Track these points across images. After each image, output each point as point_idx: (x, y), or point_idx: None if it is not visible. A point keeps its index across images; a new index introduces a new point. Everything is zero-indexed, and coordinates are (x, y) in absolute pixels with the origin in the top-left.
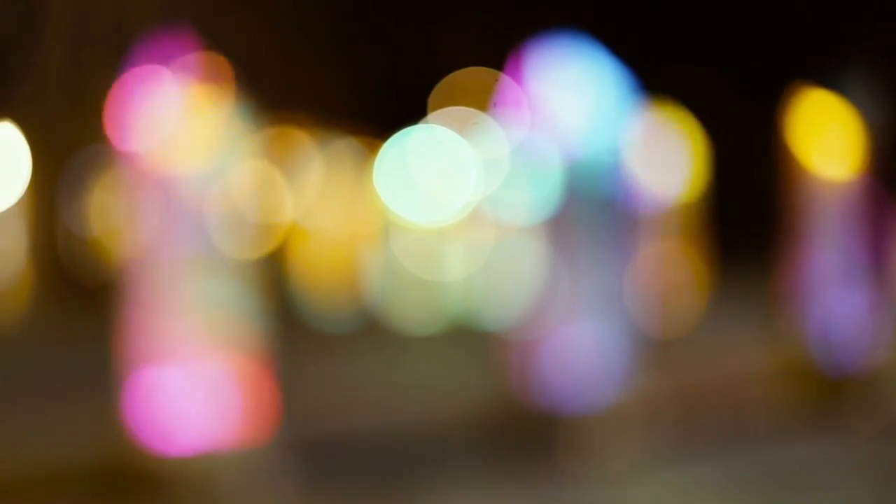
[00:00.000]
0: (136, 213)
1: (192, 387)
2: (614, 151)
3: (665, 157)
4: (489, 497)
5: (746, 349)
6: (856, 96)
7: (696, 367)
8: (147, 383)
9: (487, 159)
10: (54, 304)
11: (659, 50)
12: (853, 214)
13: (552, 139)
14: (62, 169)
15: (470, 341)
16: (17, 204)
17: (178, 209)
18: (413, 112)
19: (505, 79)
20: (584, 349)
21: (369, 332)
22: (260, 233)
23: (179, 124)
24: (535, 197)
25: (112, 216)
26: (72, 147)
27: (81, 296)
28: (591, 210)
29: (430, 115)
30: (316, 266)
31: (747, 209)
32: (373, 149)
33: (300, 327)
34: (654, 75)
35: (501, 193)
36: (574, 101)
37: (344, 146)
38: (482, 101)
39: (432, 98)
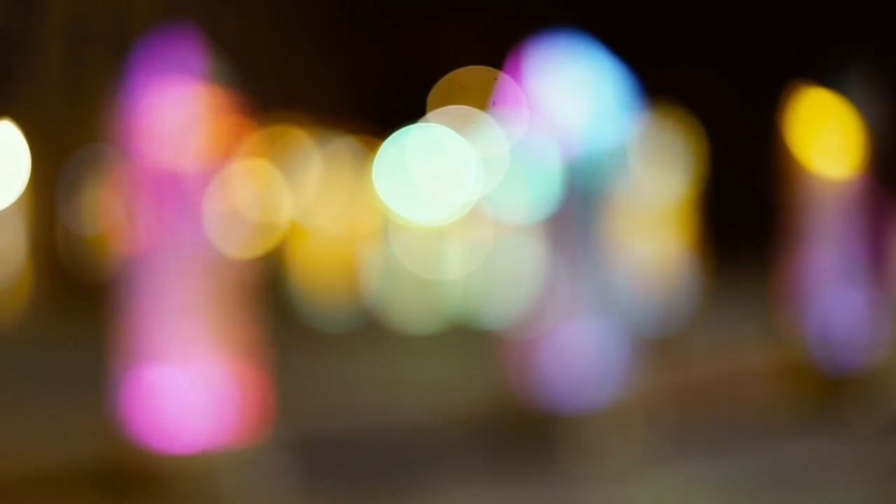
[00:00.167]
0: (134, 212)
1: (190, 385)
2: (613, 150)
3: (664, 156)
4: (488, 496)
5: (745, 348)
6: (855, 95)
7: (695, 365)
8: (145, 382)
9: (487, 158)
10: (53, 303)
11: (658, 49)
12: (852, 213)
13: (551, 138)
14: (61, 168)
15: (469, 340)
16: (17, 203)
17: (177, 208)
18: (412, 111)
19: (504, 77)
20: (583, 348)
21: (368, 330)
22: (259, 232)
23: (178, 124)
24: (534, 196)
25: (111, 215)
26: (71, 146)
27: (80, 295)
28: (591, 209)
29: (430, 114)
30: (315, 265)
31: (746, 208)
32: (372, 147)
33: (299, 326)
34: (653, 74)
35: (501, 192)
36: (573, 99)
37: (343, 145)
38: (482, 99)
39: (432, 97)
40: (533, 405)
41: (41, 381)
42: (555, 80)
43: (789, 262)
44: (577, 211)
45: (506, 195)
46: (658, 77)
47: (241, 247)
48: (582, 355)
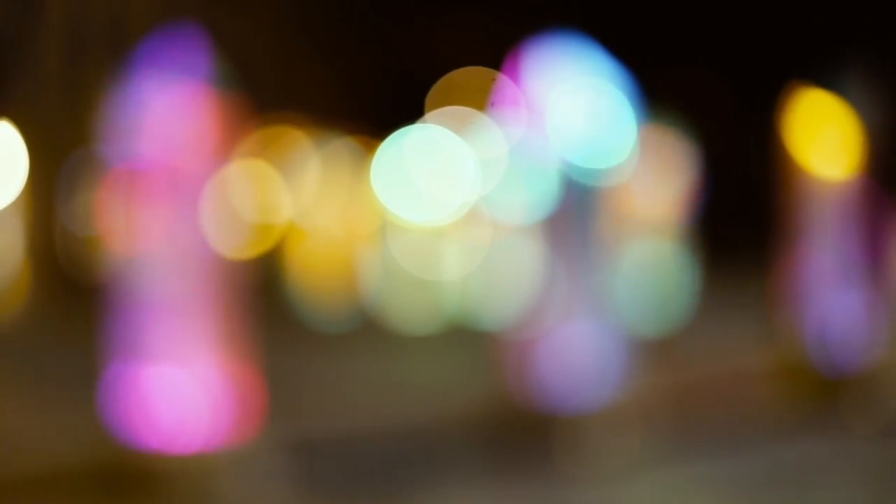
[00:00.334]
0: (132, 212)
1: (187, 385)
2: (611, 151)
3: (662, 157)
4: (486, 497)
5: (743, 349)
6: (853, 96)
7: (693, 366)
8: (143, 382)
9: (485, 159)
10: (51, 303)
11: (656, 50)
12: (850, 214)
13: (549, 139)
14: (59, 168)
15: (467, 341)
16: (15, 203)
17: (174, 208)
18: (410, 111)
19: (502, 78)
20: (580, 349)
21: (366, 331)
22: (257, 232)
23: (176, 124)
24: (532, 196)
25: (108, 215)
26: (69, 146)
27: (78, 295)
28: (588, 210)
29: (428, 115)
30: (313, 265)
31: (744, 209)
32: (370, 148)
33: (297, 326)
34: (651, 75)
35: (499, 193)
36: (571, 100)
37: (341, 145)
38: (480, 100)
39: (430, 97)
40: (531, 406)
41: (40, 381)
42: (553, 80)
43: (787, 263)
44: (575, 212)
45: (504, 196)
46: (656, 78)
47: (239, 247)
48: (580, 356)
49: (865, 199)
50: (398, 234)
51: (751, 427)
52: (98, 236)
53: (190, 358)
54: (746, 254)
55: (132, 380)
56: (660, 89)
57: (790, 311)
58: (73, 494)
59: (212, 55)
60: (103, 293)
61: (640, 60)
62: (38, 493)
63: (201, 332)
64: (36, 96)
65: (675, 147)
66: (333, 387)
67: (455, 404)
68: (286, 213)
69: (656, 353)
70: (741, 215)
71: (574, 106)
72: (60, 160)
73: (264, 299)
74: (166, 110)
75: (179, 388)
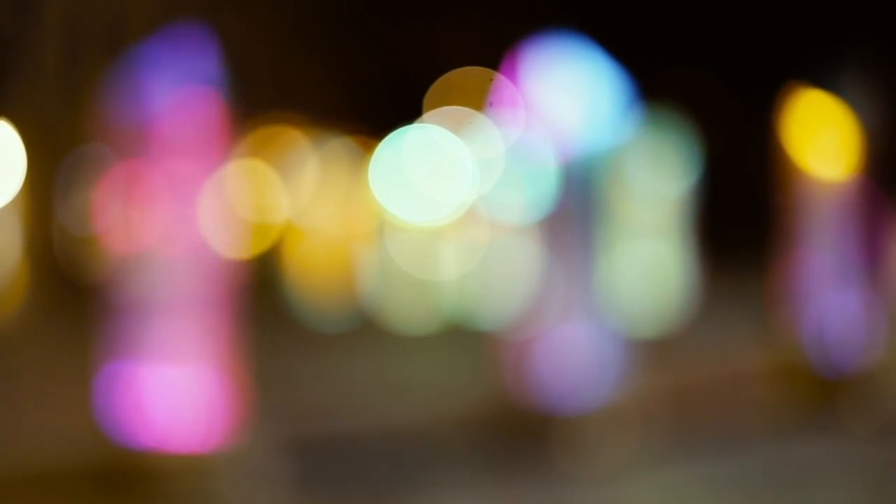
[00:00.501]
0: (130, 212)
1: (185, 385)
2: (610, 151)
3: (660, 157)
4: (484, 497)
5: (742, 349)
6: (852, 97)
7: (691, 367)
8: (140, 381)
9: (483, 159)
10: (49, 303)
11: (654, 50)
12: (849, 215)
13: (547, 139)
14: (58, 168)
15: (465, 341)
16: (13, 202)
17: (172, 208)
18: (408, 111)
19: (500, 78)
20: (578, 349)
21: (364, 331)
22: (255, 232)
23: (175, 124)
24: (530, 197)
25: (107, 215)
26: (67, 146)
27: (76, 294)
28: (587, 210)
29: (426, 115)
30: (311, 265)
31: (743, 209)
32: (368, 148)
33: (295, 326)
34: (649, 75)
35: (496, 193)
36: (569, 100)
37: (339, 145)
38: (478, 100)
39: (428, 97)
40: (529, 406)
41: (39, 381)
42: (551, 81)
43: (786, 264)
44: (574, 212)
45: (502, 196)
46: (654, 78)
47: (237, 247)
48: (578, 356)
49: (864, 200)
50: (396, 233)
51: (749, 427)
52: (96, 236)
53: (187, 358)
54: (745, 254)
55: (130, 379)
56: (658, 90)
57: (788, 312)
58: (73, 494)
59: (210, 55)
60: (101, 293)
61: (639, 61)
62: (38, 493)
63: (198, 331)
64: (34, 96)
65: (673, 148)
66: (331, 387)
67: (453, 404)
68: (284, 213)
69: (655, 353)
70: (740, 216)
71: (572, 106)
72: (59, 159)
73: (262, 299)
74: (164, 110)
75: (176, 387)
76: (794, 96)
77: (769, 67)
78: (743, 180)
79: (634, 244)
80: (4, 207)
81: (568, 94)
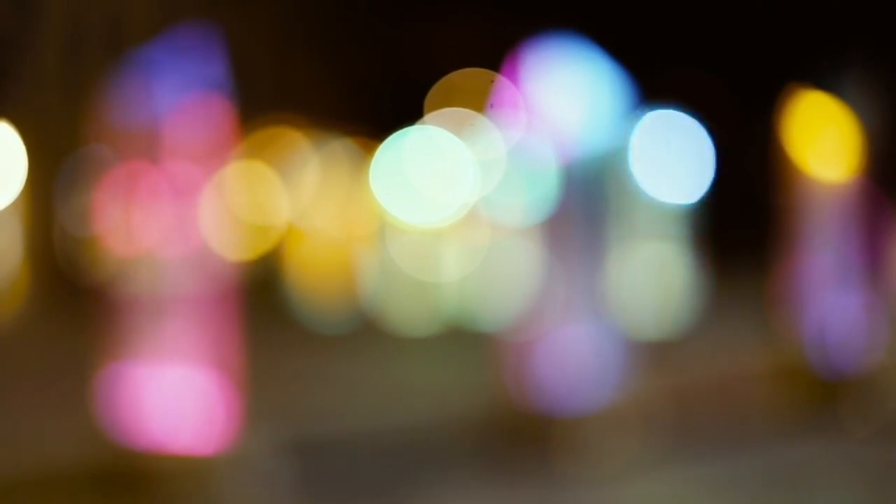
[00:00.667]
0: (131, 213)
1: (184, 386)
2: (610, 153)
3: (661, 159)
4: (485, 498)
5: (742, 350)
6: (853, 98)
7: (692, 368)
8: (141, 383)
9: (484, 160)
10: (50, 304)
11: (655, 51)
12: (850, 216)
13: (549, 140)
14: (58, 169)
15: (466, 342)
16: (14, 204)
17: (173, 210)
18: (409, 113)
19: (502, 80)
20: (579, 350)
21: (365, 333)
22: (256, 233)
23: (176, 124)
24: (531, 198)
25: (107, 216)
26: (68, 147)
27: (77, 295)
28: (588, 211)
29: (427, 116)
30: (312, 267)
31: (744, 211)
32: (369, 150)
33: (296, 328)
34: (650, 77)
35: (498, 195)
36: (570, 102)
37: (340, 147)
38: (479, 102)
39: (429, 99)
40: (530, 407)
41: (39, 382)
42: (552, 82)
43: (787, 265)
44: (574, 213)
45: (503, 197)
46: (655, 80)
47: (238, 248)
48: (578, 357)
49: (865, 202)
50: (397, 235)
51: (750, 428)
52: (97, 237)
53: (187, 359)
54: (746, 256)
55: (130, 381)
56: (659, 91)
57: (789, 313)
58: (73, 494)
59: (211, 56)
60: (102, 294)
61: (640, 62)
62: (38, 493)
63: (199, 333)
64: (35, 97)
65: (674, 148)
66: (332, 388)
67: (454, 406)
68: (284, 215)
69: (655, 354)
70: (741, 217)
71: (573, 108)
72: (59, 161)
73: (263, 301)
74: (165, 111)
75: (177, 388)
76: (795, 98)
77: (770, 69)
78: (744, 182)
79: (635, 246)
80: (5, 208)
81: (569, 95)
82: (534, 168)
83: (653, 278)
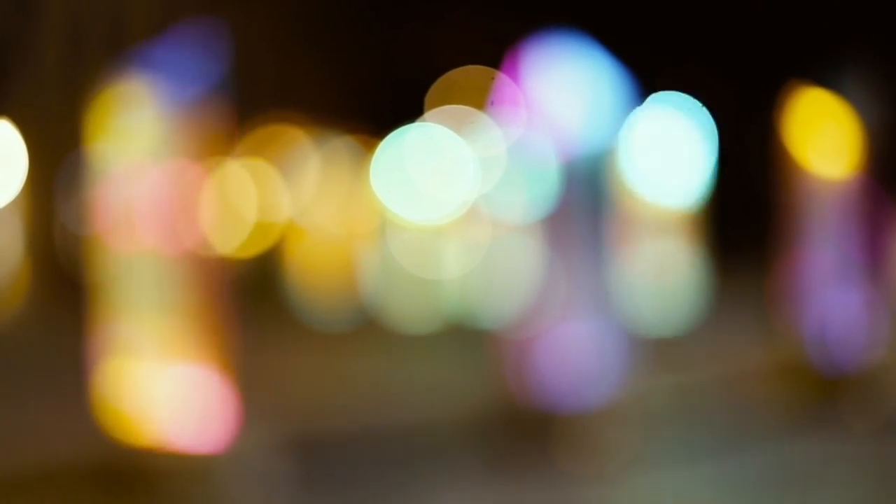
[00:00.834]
0: (131, 211)
1: (185, 385)
2: (611, 150)
3: (661, 156)
4: (486, 496)
5: (743, 348)
6: (853, 95)
7: (694, 365)
8: (141, 381)
9: (484, 157)
10: (50, 302)
11: (656, 48)
12: (851, 213)
13: (549, 137)
14: (58, 167)
15: (467, 340)
16: (14, 202)
17: (174, 207)
18: (410, 110)
19: (502, 77)
20: (581, 348)
21: (366, 330)
22: (256, 231)
23: (176, 123)
24: (531, 195)
25: (107, 214)
26: (68, 145)
27: (78, 293)
28: (588, 208)
29: (427, 114)
30: (312, 264)
31: (745, 208)
32: (369, 147)
33: (296, 325)
34: (650, 74)
35: (498, 192)
36: (571, 99)
37: (341, 144)
38: (479, 99)
39: (429, 96)
40: (531, 405)
41: (39, 381)
42: (553, 79)
43: (787, 263)
44: (575, 210)
45: (503, 194)
46: (656, 77)
47: (238, 246)
48: (580, 355)
49: (865, 199)
50: (397, 232)
51: (752, 426)
52: (97, 235)
53: (187, 357)
54: (747, 253)
55: (130, 379)
56: (659, 88)
57: (790, 311)
58: (73, 494)
59: (212, 55)
60: (102, 292)
61: (640, 59)
62: (39, 490)
63: (199, 330)
64: (35, 95)
65: (674, 145)
66: (333, 386)
67: (455, 403)
68: (285, 212)
69: (657, 351)
70: (741, 215)
71: (573, 105)
72: (60, 159)
73: (263, 298)
74: (166, 109)
75: (177, 386)
76: (796, 95)
77: (771, 67)
78: (745, 179)
79: (636, 243)
80: (6, 207)
81: (569, 92)
82: (534, 165)
83: (654, 275)
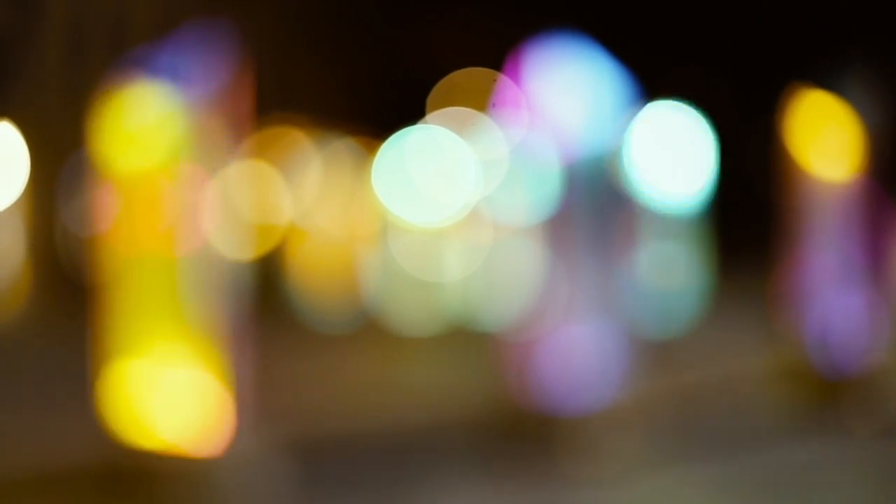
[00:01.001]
0: (133, 213)
1: (187, 387)
2: (612, 152)
3: (663, 158)
4: (486, 498)
5: (745, 350)
6: (854, 97)
7: (695, 367)
8: (142, 383)
9: (486, 160)
10: (52, 303)
11: (657, 50)
12: (852, 215)
13: (551, 140)
14: (60, 168)
15: (468, 342)
16: (16, 203)
17: (176, 209)
18: (411, 112)
19: (504, 79)
20: (582, 350)
21: (367, 332)
22: (258, 233)
23: (178, 123)
24: (533, 197)
25: (109, 216)
26: (70, 147)
27: (79, 295)
28: (590, 210)
29: (429, 116)
30: (314, 266)
31: (747, 209)
32: (371, 149)
33: (298, 328)
34: (652, 75)
35: (500, 194)
36: (573, 101)
37: (342, 146)
38: (481, 101)
39: (431, 98)
40: (532, 407)
41: (40, 381)
42: (554, 81)
43: (788, 265)
44: (577, 213)
45: (505, 197)
46: (658, 78)
47: (240, 248)
48: (581, 357)
49: (867, 201)
50: (399, 235)
51: (752, 428)
52: (99, 237)
53: (189, 358)
54: (748, 255)
55: (132, 380)
56: (661, 90)
57: (792, 313)
58: (74, 495)
59: (214, 56)
60: (104, 293)
61: (642, 61)
62: (39, 493)
63: (201, 332)
64: (38, 96)
65: (675, 147)
66: (334, 388)
67: (456, 405)
68: (287, 214)
69: (658, 354)
70: (743, 217)
71: (575, 107)
72: (61, 161)
73: (265, 300)
74: (167, 110)
75: (178, 388)
76: (798, 97)
77: (772, 68)
78: (746, 181)
79: (637, 245)
80: (8, 208)
81: (571, 94)
82: (536, 167)
83: (655, 277)
